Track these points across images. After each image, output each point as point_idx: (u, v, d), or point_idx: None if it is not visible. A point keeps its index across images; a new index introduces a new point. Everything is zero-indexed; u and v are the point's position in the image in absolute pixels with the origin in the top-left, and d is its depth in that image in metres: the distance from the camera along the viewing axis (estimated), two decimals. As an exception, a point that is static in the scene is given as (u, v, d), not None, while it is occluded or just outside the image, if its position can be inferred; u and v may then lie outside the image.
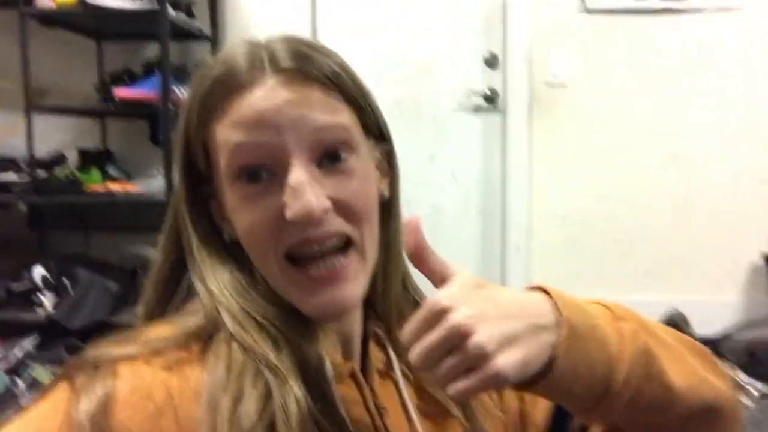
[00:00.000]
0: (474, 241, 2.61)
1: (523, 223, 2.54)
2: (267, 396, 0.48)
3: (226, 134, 0.52)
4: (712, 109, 2.46)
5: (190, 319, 0.53)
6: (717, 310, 2.44)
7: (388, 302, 0.61)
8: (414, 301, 0.62)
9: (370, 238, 0.55)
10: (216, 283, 0.54)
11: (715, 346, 2.34)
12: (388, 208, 0.59)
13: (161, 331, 0.53)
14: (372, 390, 0.58)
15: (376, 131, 0.58)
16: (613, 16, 2.46)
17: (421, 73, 2.56)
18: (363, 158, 0.55)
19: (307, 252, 0.52)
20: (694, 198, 2.49)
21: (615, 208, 2.50)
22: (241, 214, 0.53)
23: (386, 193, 0.59)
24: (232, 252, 0.56)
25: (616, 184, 2.50)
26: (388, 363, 0.61)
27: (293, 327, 0.53)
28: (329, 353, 0.53)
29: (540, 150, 2.52)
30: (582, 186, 2.51)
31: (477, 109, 2.57)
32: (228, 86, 0.52)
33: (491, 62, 2.55)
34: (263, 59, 0.52)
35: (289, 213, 0.50)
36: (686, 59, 2.46)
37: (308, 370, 0.51)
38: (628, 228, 2.51)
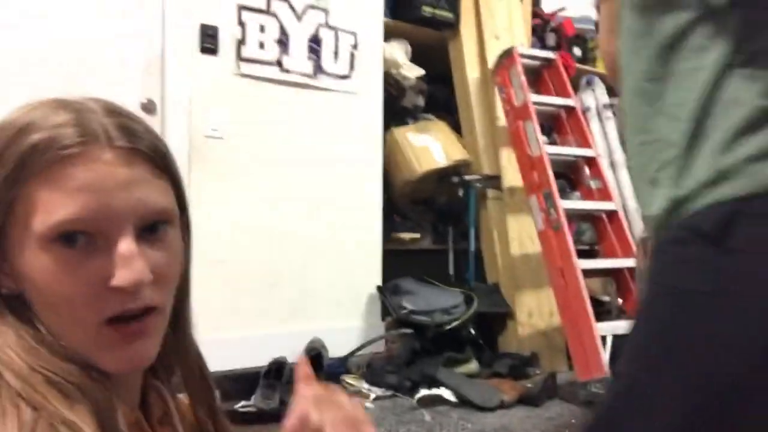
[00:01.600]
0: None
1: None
2: None
3: (52, 199, 0.52)
4: (338, 168, 3.01)
5: None
6: (346, 334, 2.91)
7: (170, 355, 0.66)
8: (195, 351, 0.69)
9: (170, 301, 0.60)
10: None
11: (344, 362, 2.83)
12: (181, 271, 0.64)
13: None
14: None
15: (183, 203, 0.63)
16: (262, 83, 2.81)
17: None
18: (176, 229, 0.59)
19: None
20: (326, 241, 2.96)
21: (264, 249, 2.78)
22: (56, 276, 0.53)
23: (186, 258, 0.64)
24: (9, 305, 0.55)
25: (266, 228, 2.78)
26: (167, 411, 0.66)
27: (88, 381, 0.54)
28: (119, 404, 0.56)
29: (197, 198, 2.66)
30: (235, 231, 2.71)
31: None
32: (55, 152, 0.53)
33: (149, 108, 2.64)
34: (97, 133, 0.54)
35: (119, 281, 0.52)
36: (319, 127, 2.96)
37: (103, 422, 0.52)
38: (274, 268, 2.80)
